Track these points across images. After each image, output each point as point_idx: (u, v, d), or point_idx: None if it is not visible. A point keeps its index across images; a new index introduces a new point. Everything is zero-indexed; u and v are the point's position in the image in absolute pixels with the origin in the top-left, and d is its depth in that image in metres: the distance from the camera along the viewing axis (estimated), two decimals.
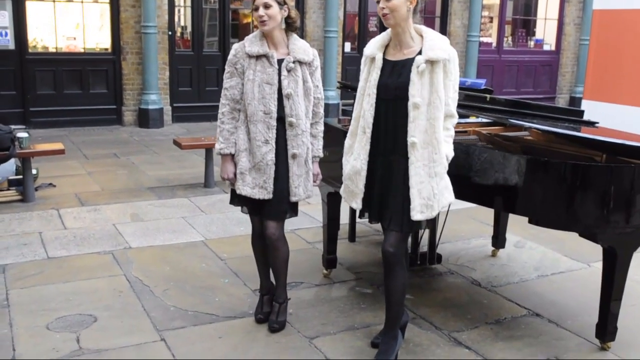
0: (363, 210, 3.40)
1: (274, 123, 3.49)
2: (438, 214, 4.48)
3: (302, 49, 3.55)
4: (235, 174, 3.59)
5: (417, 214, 3.15)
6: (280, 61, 3.49)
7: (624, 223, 3.33)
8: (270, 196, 3.53)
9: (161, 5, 10.58)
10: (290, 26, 3.56)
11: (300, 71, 3.53)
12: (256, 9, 3.44)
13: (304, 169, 3.60)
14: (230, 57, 3.59)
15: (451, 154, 3.24)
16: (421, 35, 3.22)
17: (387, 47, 3.28)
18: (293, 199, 3.58)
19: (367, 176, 3.28)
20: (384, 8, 3.12)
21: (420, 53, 3.15)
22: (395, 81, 3.17)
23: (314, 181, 3.72)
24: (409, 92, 3.11)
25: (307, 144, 3.60)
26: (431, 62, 3.11)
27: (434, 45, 3.14)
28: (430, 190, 3.14)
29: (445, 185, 3.22)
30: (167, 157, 8.45)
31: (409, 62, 3.15)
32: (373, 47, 3.30)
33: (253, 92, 3.48)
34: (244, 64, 3.53)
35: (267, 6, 3.42)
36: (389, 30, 3.28)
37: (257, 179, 3.53)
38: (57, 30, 10.26)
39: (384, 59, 3.24)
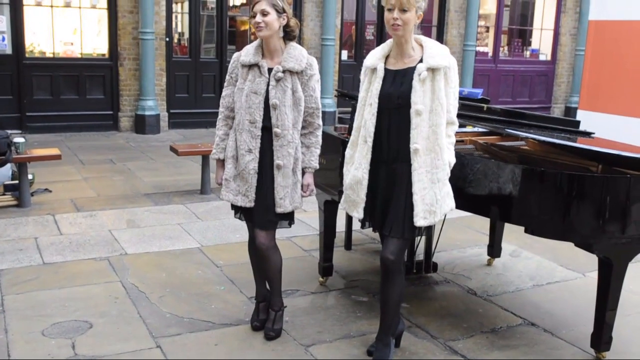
0: (365, 219, 3.40)
1: (259, 133, 3.48)
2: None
3: (295, 57, 3.49)
4: None
5: (420, 220, 3.18)
6: (271, 70, 3.49)
7: (620, 233, 3.35)
8: (252, 204, 3.53)
9: (159, 12, 10.60)
10: (288, 35, 3.54)
11: (290, 81, 3.48)
12: (254, 15, 3.45)
13: (290, 180, 3.55)
14: (229, 66, 3.65)
15: (453, 160, 3.29)
16: (421, 45, 3.26)
17: (387, 57, 3.32)
18: (278, 210, 3.54)
19: (369, 185, 3.30)
20: (397, 19, 3.14)
21: (421, 61, 3.19)
22: (397, 90, 3.21)
23: (304, 192, 3.66)
24: (411, 100, 3.15)
25: (295, 154, 3.55)
26: (432, 70, 3.15)
27: (434, 53, 3.19)
28: (433, 196, 3.18)
29: (447, 191, 3.26)
30: (163, 164, 8.45)
31: (411, 70, 3.19)
32: (373, 58, 3.33)
33: (241, 101, 3.50)
34: (238, 73, 3.57)
35: (264, 13, 3.42)
36: (389, 42, 3.32)
37: (240, 187, 3.54)
38: (55, 35, 10.27)
39: (385, 69, 3.27)
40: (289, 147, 3.51)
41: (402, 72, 3.22)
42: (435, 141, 3.16)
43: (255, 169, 3.50)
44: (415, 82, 3.15)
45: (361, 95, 3.34)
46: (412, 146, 3.15)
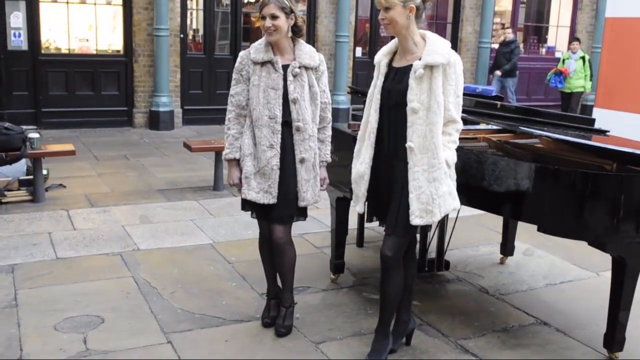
0: (372, 214, 3.44)
1: (279, 128, 3.50)
2: (446, 220, 4.51)
3: (308, 54, 3.57)
4: (240, 179, 3.61)
5: (415, 219, 3.15)
6: (285, 67, 3.52)
7: (634, 233, 3.31)
8: (275, 201, 3.54)
9: (174, 8, 10.63)
10: (296, 34, 3.58)
11: (306, 76, 3.54)
12: (263, 17, 3.46)
13: (312, 173, 3.60)
14: (236, 64, 3.65)
15: (452, 159, 3.22)
16: (425, 41, 3.23)
17: (395, 53, 3.32)
18: (301, 203, 3.58)
19: (375, 180, 3.32)
20: (384, 18, 3.17)
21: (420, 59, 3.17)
22: (396, 87, 3.22)
23: (321, 186, 3.73)
24: (407, 97, 3.14)
25: (315, 148, 3.60)
26: (430, 67, 3.12)
27: (432, 50, 3.15)
28: (429, 195, 3.14)
29: (449, 190, 3.21)
30: (176, 160, 8.48)
31: (409, 68, 3.18)
32: (380, 54, 3.36)
33: (258, 97, 3.50)
34: (249, 71, 3.57)
35: (274, 17, 3.44)
36: (397, 38, 3.31)
37: (262, 184, 3.54)
38: (70, 31, 10.32)
39: (390, 66, 3.29)
40: (310, 141, 3.55)
41: (403, 70, 3.22)
42: (432, 140, 3.12)
43: (277, 164, 3.51)
44: (412, 80, 3.13)
45: (370, 90, 3.38)
46: (407, 144, 3.14)
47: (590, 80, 11.58)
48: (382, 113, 3.28)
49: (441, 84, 3.11)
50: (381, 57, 3.33)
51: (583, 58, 11.67)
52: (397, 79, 3.22)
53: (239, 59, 3.63)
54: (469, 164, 3.64)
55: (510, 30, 12.49)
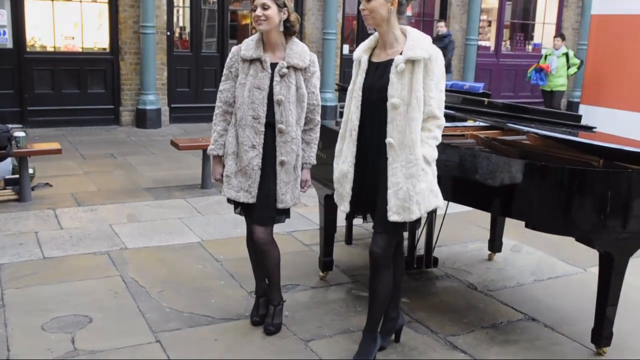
0: (356, 212, 3.40)
1: (262, 128, 3.46)
2: (434, 217, 4.51)
3: (299, 53, 3.49)
4: (222, 176, 3.60)
5: (392, 215, 3.12)
6: (274, 65, 3.46)
7: (621, 228, 3.33)
8: (254, 200, 3.51)
9: (160, 6, 10.58)
10: (288, 30, 3.51)
11: (294, 77, 3.47)
12: (254, 8, 3.43)
13: (292, 175, 3.56)
14: (227, 59, 3.61)
15: (431, 155, 3.16)
16: (405, 36, 3.20)
17: (375, 49, 3.29)
18: (280, 205, 3.54)
19: (359, 178, 3.28)
20: (364, 9, 3.14)
21: (401, 53, 3.14)
22: (377, 83, 3.18)
23: (302, 188, 3.67)
24: (388, 93, 3.11)
25: (297, 151, 3.55)
26: (412, 62, 3.08)
27: (414, 44, 3.12)
28: (406, 191, 3.10)
29: (429, 188, 3.16)
30: (164, 158, 8.44)
31: (390, 62, 3.15)
32: (360, 50, 3.32)
33: (243, 96, 3.47)
34: (238, 67, 3.53)
35: (265, 7, 3.40)
36: (376, 34, 3.28)
37: (242, 183, 3.52)
38: (56, 29, 10.25)
39: (370, 62, 3.25)
40: (292, 143, 3.50)
41: (384, 65, 3.18)
42: (410, 135, 3.08)
43: (259, 165, 3.48)
44: (392, 75, 3.10)
45: (349, 88, 3.33)
46: (387, 140, 3.11)
47: (578, 68, 11.21)
48: (363, 110, 3.22)
49: (422, 79, 3.08)
50: (361, 53, 3.28)
51: (566, 55, 11.40)
52: (378, 74, 3.18)
53: (230, 55, 3.59)
54: (457, 161, 3.64)
55: (443, 24, 11.97)
